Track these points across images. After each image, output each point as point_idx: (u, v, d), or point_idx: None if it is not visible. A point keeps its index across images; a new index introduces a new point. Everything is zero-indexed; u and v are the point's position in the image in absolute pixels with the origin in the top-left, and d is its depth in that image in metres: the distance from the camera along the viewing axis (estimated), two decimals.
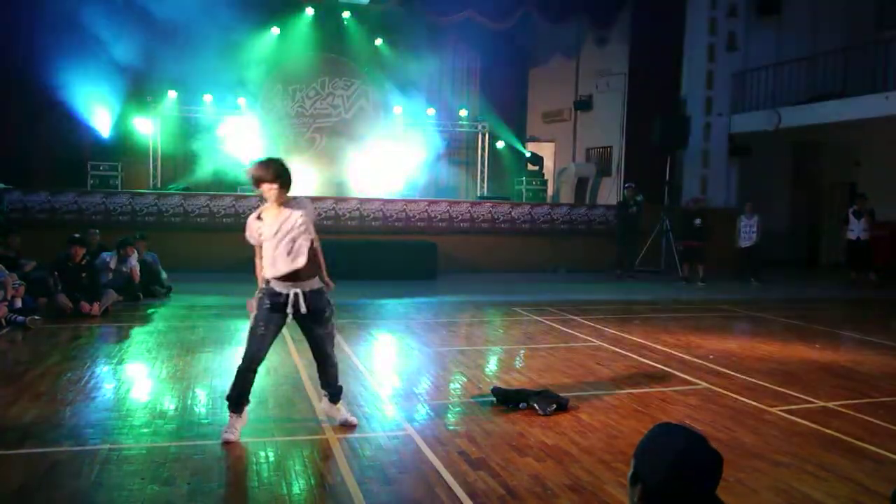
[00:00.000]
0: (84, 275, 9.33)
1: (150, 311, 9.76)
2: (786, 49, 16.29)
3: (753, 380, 6.59)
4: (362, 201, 15.16)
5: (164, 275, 11.14)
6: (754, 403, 5.80)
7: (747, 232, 14.21)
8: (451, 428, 5.08)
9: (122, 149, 16.00)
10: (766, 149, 16.82)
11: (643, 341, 8.25)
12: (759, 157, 16.85)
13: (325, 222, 14.13)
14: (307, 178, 17.22)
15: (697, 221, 14.04)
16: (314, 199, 14.52)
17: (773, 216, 16.17)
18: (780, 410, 5.62)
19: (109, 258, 10.31)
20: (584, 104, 18.96)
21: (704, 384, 6.39)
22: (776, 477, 4.26)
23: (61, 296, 9.08)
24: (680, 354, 7.61)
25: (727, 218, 15.11)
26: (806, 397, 6.04)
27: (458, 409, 5.59)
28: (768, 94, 16.09)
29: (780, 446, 4.81)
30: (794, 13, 16.83)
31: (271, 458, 4.40)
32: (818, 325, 9.75)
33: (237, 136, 16.70)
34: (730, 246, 14.41)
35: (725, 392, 6.14)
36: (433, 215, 15.25)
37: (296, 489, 4.00)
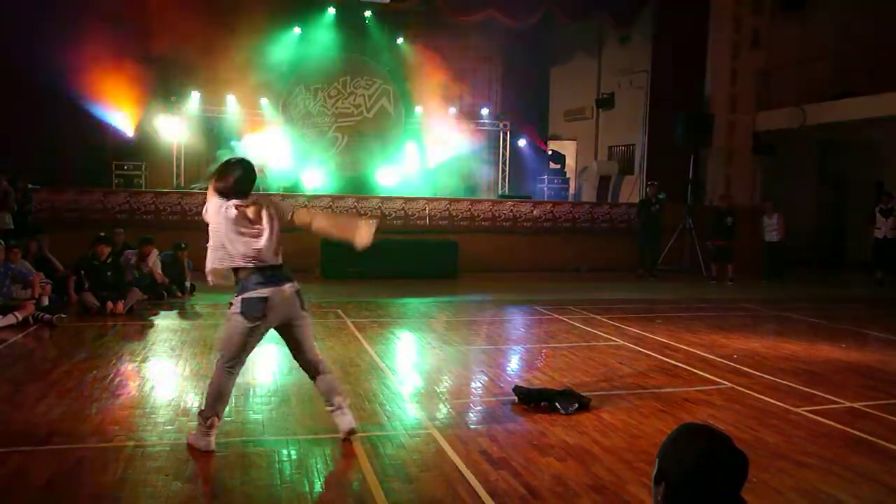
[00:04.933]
0: (109, 273, 9.45)
1: (173, 309, 9.85)
2: (811, 45, 16.07)
3: (778, 380, 6.52)
4: (384, 200, 15.20)
5: (187, 277, 11.20)
6: (779, 403, 5.74)
7: (770, 230, 14.19)
8: (473, 427, 5.07)
9: (146, 148, 16.19)
10: (791, 147, 16.62)
11: (666, 340, 8.19)
12: (783, 155, 16.66)
13: None
14: (329, 178, 17.32)
15: (729, 220, 13.94)
16: (335, 199, 14.68)
17: (797, 214, 15.98)
18: (806, 411, 5.55)
19: (132, 256, 10.44)
20: (606, 102, 18.86)
21: (728, 384, 6.33)
22: (801, 478, 4.21)
23: (87, 294, 9.19)
24: (703, 354, 7.55)
25: (752, 217, 14.96)
26: (832, 397, 5.96)
27: (479, 408, 5.59)
28: (793, 91, 15.89)
29: (805, 447, 4.75)
30: (819, 8, 16.60)
31: (293, 456, 4.42)
32: (844, 324, 9.63)
33: (260, 135, 16.82)
34: (755, 245, 14.29)
35: (749, 392, 6.08)
36: (455, 214, 15.25)
37: (318, 487, 4.02)
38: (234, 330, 4.32)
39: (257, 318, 4.28)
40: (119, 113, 15.65)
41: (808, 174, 18.06)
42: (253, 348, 4.46)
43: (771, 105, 16.39)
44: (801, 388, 6.25)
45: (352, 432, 4.57)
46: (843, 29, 16.12)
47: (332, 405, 4.60)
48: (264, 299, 4.26)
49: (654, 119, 17.18)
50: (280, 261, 4.39)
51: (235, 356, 4.38)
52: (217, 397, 4.40)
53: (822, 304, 11.52)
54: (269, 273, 4.31)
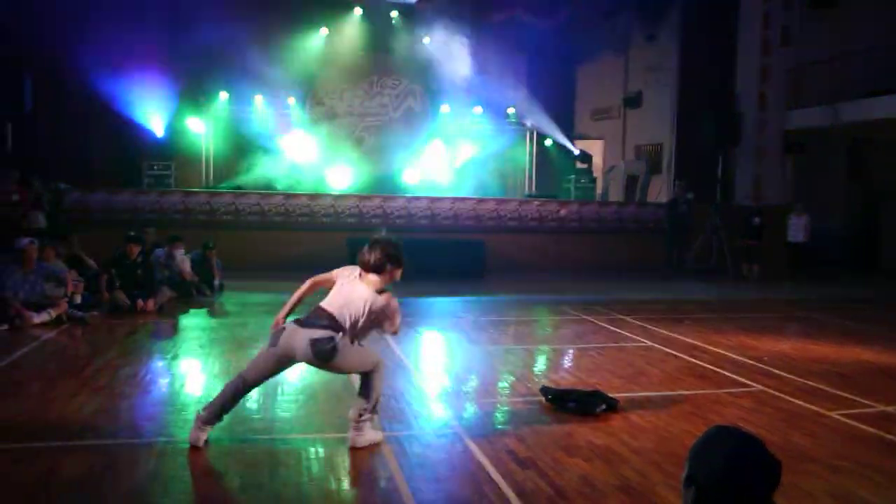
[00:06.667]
0: (140, 272, 9.58)
1: (202, 307, 9.96)
2: (843, 42, 15.83)
3: (809, 382, 6.43)
4: (410, 200, 15.23)
5: (215, 276, 11.32)
6: (810, 406, 5.66)
7: (795, 230, 14.03)
8: (500, 427, 5.07)
9: (175, 149, 16.39)
10: (823, 146, 16.39)
11: (694, 342, 8.12)
12: (814, 154, 16.43)
13: (373, 220, 14.24)
14: (356, 177, 17.40)
15: (756, 220, 13.81)
16: (362, 198, 14.76)
17: (828, 215, 15.76)
18: (838, 414, 5.47)
19: (162, 255, 10.59)
20: (633, 101, 18.73)
21: (758, 386, 6.26)
22: (834, 482, 4.15)
23: (119, 292, 9.33)
24: (732, 356, 7.47)
25: (782, 216, 14.78)
26: (864, 401, 5.87)
27: (506, 408, 5.58)
28: (825, 89, 15.66)
29: (837, 450, 4.68)
30: (851, 5, 16.34)
31: (321, 454, 4.45)
32: (875, 326, 9.47)
33: (288, 136, 16.95)
34: (784, 245, 14.14)
35: (780, 394, 6.00)
36: (481, 213, 15.25)
37: (345, 485, 4.04)
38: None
39: (272, 345, 4.40)
40: (149, 114, 15.85)
41: (838, 173, 17.78)
42: (266, 372, 4.48)
43: (801, 103, 16.17)
44: (832, 390, 6.16)
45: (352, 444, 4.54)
46: (875, 26, 15.84)
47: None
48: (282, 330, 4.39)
49: (682, 118, 17.04)
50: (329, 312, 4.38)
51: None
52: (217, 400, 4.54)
53: (852, 306, 11.34)
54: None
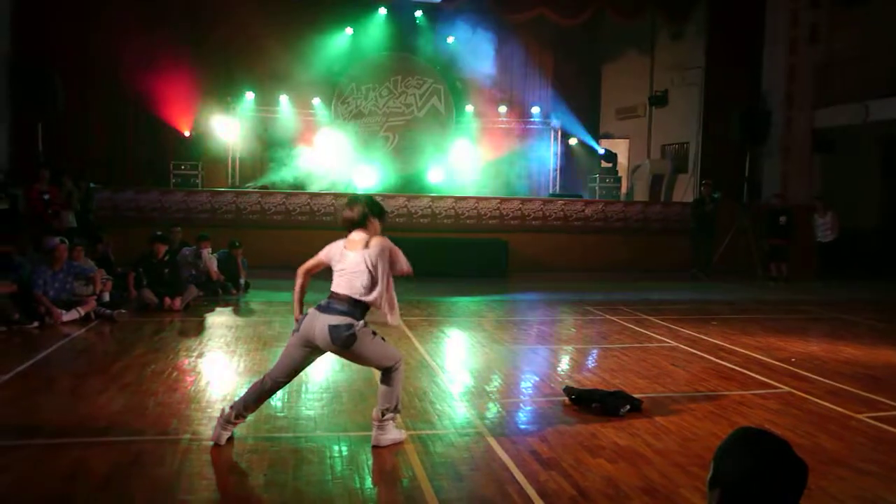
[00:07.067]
0: (167, 271, 9.69)
1: (228, 306, 10.05)
2: (873, 39, 15.56)
3: (838, 384, 6.34)
4: (434, 199, 15.24)
5: (241, 274, 11.40)
6: (839, 409, 5.58)
7: (822, 230, 13.83)
8: (523, 427, 5.06)
9: (202, 149, 16.54)
10: (852, 144, 16.13)
11: (720, 343, 8.04)
12: (844, 152, 16.18)
13: (397, 220, 14.28)
14: (380, 176, 17.46)
15: (783, 219, 13.64)
16: (386, 197, 14.80)
17: (860, 214, 15.50)
18: (867, 417, 5.39)
19: (189, 253, 10.70)
20: (659, 99, 18.58)
21: (785, 388, 6.18)
22: (862, 486, 4.09)
23: (146, 290, 9.44)
24: (759, 357, 7.39)
25: (810, 215, 14.58)
26: (895, 403, 5.77)
27: (529, 407, 5.57)
28: (854, 87, 15.40)
29: (866, 454, 4.61)
30: (882, 1, 16.07)
31: (344, 452, 4.46)
32: None
33: (314, 136, 17.05)
34: (810, 245, 13.94)
35: (808, 396, 5.92)
36: (505, 213, 15.22)
37: (368, 483, 4.05)
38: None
39: (294, 331, 4.49)
40: (176, 114, 16.02)
41: (871, 172, 17.48)
42: (292, 364, 4.51)
43: (830, 101, 15.93)
44: (862, 393, 6.07)
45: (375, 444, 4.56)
46: None
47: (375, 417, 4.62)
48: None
49: (708, 116, 16.87)
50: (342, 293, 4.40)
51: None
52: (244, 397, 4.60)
53: (884, 307, 11.16)
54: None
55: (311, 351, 4.46)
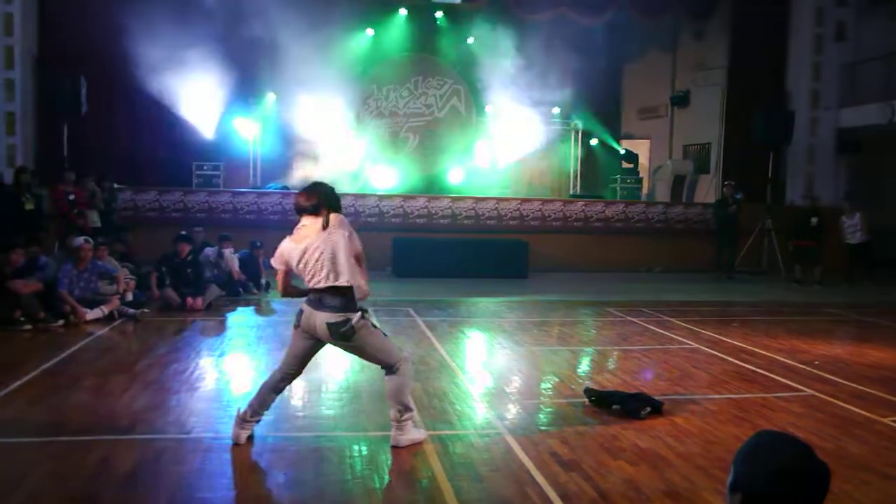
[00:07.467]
0: (189, 270, 9.77)
1: (249, 305, 10.11)
2: None
3: (863, 387, 6.25)
4: (454, 200, 15.24)
5: (263, 274, 11.45)
6: (864, 413, 5.50)
7: (851, 232, 13.60)
8: (543, 428, 5.04)
9: (224, 149, 16.64)
10: (879, 144, 15.89)
11: (743, 345, 7.96)
12: (872, 152, 15.95)
13: (417, 220, 14.29)
14: (401, 177, 17.48)
15: (814, 220, 13.44)
16: (406, 198, 14.82)
17: (889, 214, 15.23)
18: (893, 421, 5.31)
19: (211, 253, 10.78)
20: (681, 99, 18.44)
21: (809, 391, 6.11)
22: (886, 491, 4.03)
23: (169, 290, 9.53)
24: (783, 359, 7.30)
25: (836, 217, 14.39)
26: None
27: (549, 409, 5.55)
28: (881, 86, 15.19)
29: (891, 458, 4.54)
30: None
31: (364, 452, 4.48)
32: None
33: (334, 137, 17.10)
34: (840, 246, 13.73)
35: (832, 400, 5.85)
36: (525, 214, 15.18)
37: (388, 483, 4.06)
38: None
39: (295, 326, 4.55)
40: (199, 115, 16.14)
41: None
42: (299, 353, 4.54)
43: (856, 101, 15.72)
44: (888, 397, 5.98)
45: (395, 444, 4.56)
46: None
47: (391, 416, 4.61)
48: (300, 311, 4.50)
49: (731, 116, 16.72)
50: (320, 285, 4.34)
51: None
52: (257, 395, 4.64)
53: None
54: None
55: (316, 342, 4.50)
